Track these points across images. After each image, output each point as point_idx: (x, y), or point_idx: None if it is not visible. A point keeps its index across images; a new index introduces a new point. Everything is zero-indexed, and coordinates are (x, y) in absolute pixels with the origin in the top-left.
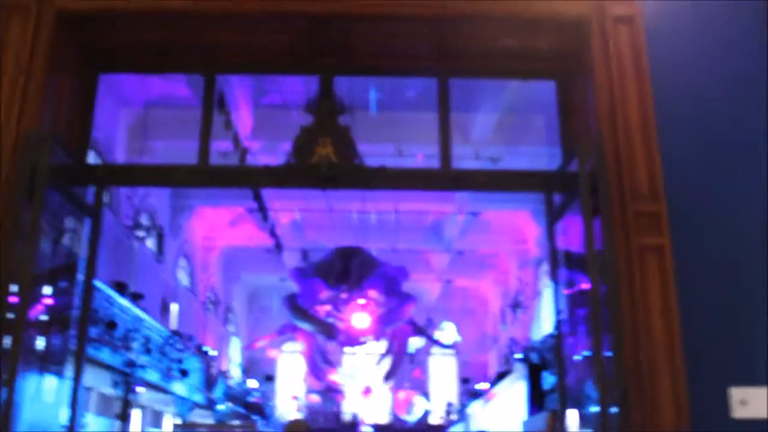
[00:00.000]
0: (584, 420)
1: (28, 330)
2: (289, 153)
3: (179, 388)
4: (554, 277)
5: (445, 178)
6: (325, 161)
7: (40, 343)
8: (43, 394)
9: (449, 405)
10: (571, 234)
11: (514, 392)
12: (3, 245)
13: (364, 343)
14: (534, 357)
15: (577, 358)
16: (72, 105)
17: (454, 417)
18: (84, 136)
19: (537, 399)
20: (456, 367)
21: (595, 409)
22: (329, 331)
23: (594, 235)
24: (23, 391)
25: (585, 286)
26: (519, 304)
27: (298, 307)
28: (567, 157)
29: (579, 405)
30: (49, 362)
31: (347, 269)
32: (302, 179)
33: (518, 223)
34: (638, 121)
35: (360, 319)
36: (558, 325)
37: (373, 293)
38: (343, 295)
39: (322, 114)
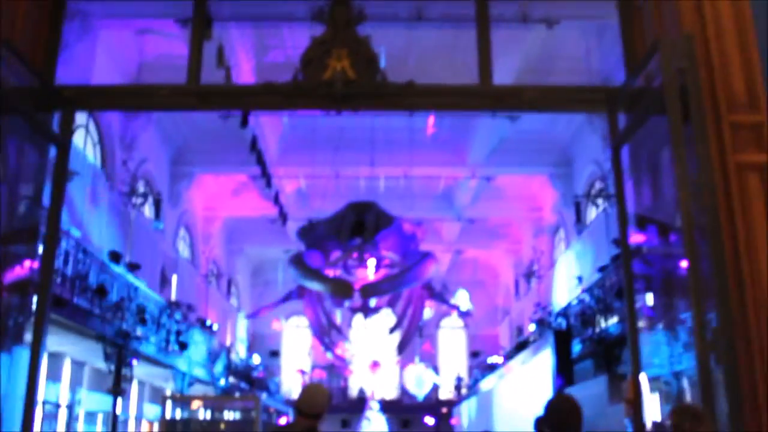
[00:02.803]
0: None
1: None
2: (297, 69)
3: (178, 361)
4: (623, 221)
5: (485, 96)
6: (341, 77)
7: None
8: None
9: (459, 379)
10: (642, 159)
11: (536, 363)
12: None
13: (376, 310)
14: (561, 324)
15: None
16: (34, 17)
17: (464, 391)
18: (51, 57)
19: (564, 369)
20: (466, 341)
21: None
22: (341, 290)
23: (683, 152)
24: None
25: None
26: (533, 274)
27: (305, 265)
28: (632, 71)
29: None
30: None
31: (361, 223)
32: (312, 98)
33: (533, 190)
34: (731, 15)
35: (372, 275)
36: (628, 280)
37: (387, 251)
38: (355, 255)
39: (336, 22)
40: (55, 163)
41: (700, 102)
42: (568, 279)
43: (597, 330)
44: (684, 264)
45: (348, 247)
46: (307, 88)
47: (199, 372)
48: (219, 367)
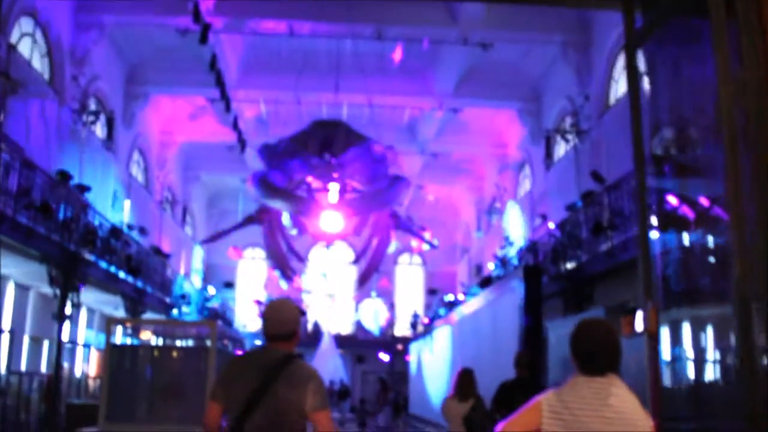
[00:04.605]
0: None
1: None
2: None
3: (129, 288)
4: (636, 128)
5: None
6: None
7: None
8: None
9: (415, 316)
10: (662, 64)
11: (500, 301)
12: None
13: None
14: (528, 260)
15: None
16: None
17: (420, 329)
18: None
19: (533, 306)
20: (423, 278)
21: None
22: (304, 207)
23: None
24: None
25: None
26: (495, 211)
27: (269, 183)
28: None
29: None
30: None
31: (329, 139)
32: None
33: (499, 125)
34: None
35: (335, 200)
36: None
37: (353, 177)
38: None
39: None
40: None
41: None
42: (533, 217)
43: (567, 267)
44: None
45: (313, 165)
46: None
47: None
48: (174, 296)
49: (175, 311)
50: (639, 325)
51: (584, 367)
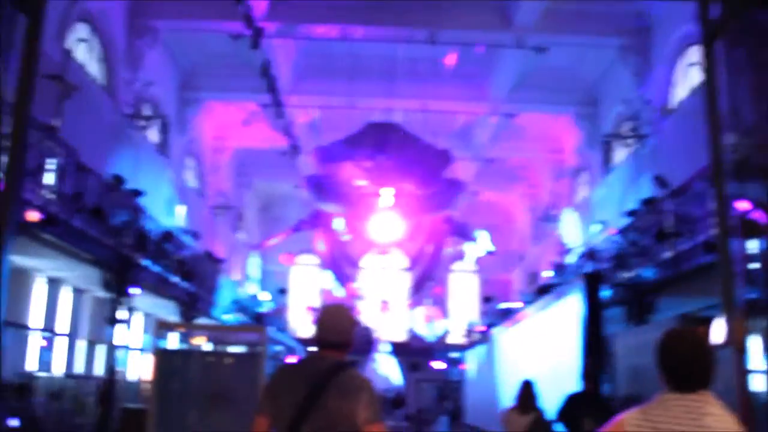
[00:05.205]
0: None
1: None
2: None
3: (182, 293)
4: (713, 119)
5: None
6: None
7: None
8: None
9: (470, 324)
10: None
11: (558, 309)
12: None
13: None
14: (589, 268)
15: None
16: None
17: (475, 337)
18: None
19: (594, 315)
20: (478, 286)
21: None
22: (357, 211)
23: None
24: None
25: None
26: (552, 218)
27: (322, 186)
28: None
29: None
30: None
31: (382, 141)
32: None
33: (555, 130)
34: None
35: (389, 203)
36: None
37: (408, 180)
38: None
39: None
40: (25, 36)
41: None
42: (591, 224)
43: (629, 275)
44: None
45: (367, 168)
46: None
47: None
48: (226, 301)
49: (228, 317)
50: (716, 335)
51: (674, 383)
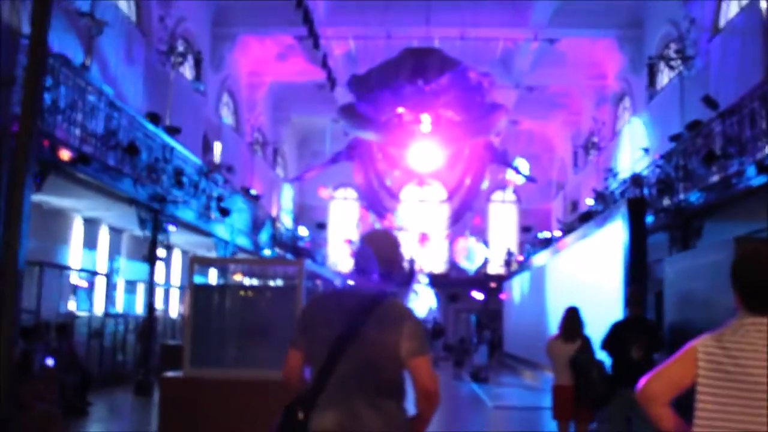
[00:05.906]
0: None
1: None
2: None
3: (220, 229)
4: None
5: None
6: None
7: None
8: None
9: (509, 254)
10: None
11: (600, 237)
12: None
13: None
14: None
15: None
16: None
17: (515, 266)
18: None
19: (638, 242)
20: (517, 216)
21: None
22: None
23: None
24: None
25: None
26: (594, 145)
27: (358, 113)
28: None
29: None
30: None
31: (421, 65)
32: None
33: (597, 55)
34: None
35: (428, 129)
36: None
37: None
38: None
39: None
40: None
41: None
42: (633, 150)
43: (675, 200)
44: None
45: (405, 94)
46: None
47: (243, 241)
48: (264, 237)
49: (266, 252)
50: None
51: (753, 305)
